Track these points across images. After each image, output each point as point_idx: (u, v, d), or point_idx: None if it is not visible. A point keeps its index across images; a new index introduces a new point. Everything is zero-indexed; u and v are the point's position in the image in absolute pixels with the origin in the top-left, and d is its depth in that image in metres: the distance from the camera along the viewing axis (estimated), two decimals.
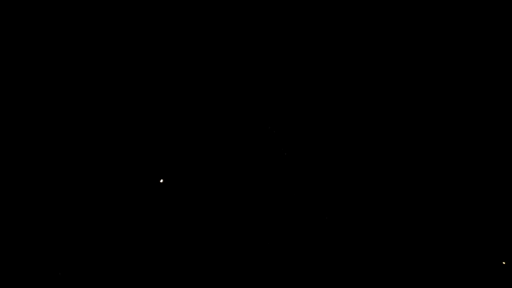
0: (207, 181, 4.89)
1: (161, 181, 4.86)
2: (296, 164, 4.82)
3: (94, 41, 4.67)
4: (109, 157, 4.71)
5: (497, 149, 4.52)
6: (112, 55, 4.71)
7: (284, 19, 4.75)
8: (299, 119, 4.77)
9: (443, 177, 4.60)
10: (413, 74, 4.71)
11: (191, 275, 4.28)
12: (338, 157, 4.79)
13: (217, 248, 4.53)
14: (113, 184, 4.67)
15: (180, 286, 4.24)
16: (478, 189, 4.51)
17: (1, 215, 4.31)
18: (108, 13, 4.59)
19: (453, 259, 4.32)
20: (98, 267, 4.25)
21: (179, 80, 4.86)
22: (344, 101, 4.83)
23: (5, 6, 4.38)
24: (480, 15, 4.45)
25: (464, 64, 4.59)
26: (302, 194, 4.80)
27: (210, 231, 4.65)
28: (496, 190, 4.47)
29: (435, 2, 4.51)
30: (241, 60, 4.87)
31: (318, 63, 4.83)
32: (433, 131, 4.66)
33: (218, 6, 4.71)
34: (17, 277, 4.09)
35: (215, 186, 4.89)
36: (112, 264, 4.27)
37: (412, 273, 4.27)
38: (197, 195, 4.83)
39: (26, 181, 4.46)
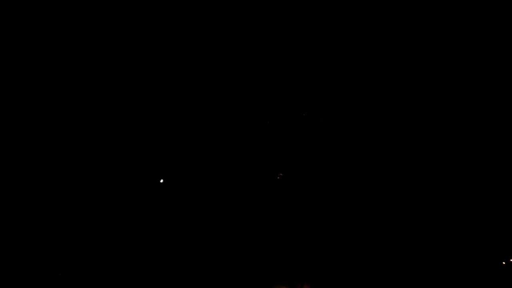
0: (206, 181, 4.89)
1: (161, 181, 4.86)
2: (295, 165, 4.81)
3: (94, 42, 4.67)
4: (110, 158, 4.71)
5: (497, 149, 4.52)
6: (112, 56, 4.71)
7: (284, 19, 4.75)
8: (299, 119, 4.76)
9: (443, 178, 4.60)
10: (413, 74, 4.71)
11: (191, 274, 4.28)
12: (338, 157, 4.79)
13: (216, 247, 4.53)
14: (113, 184, 4.67)
15: (180, 286, 4.24)
16: (478, 189, 4.51)
17: (1, 215, 4.31)
18: (108, 13, 4.59)
19: (453, 259, 4.32)
20: (98, 267, 4.25)
21: (179, 81, 4.86)
22: (343, 101, 4.83)
23: (5, 6, 4.38)
24: (480, 15, 4.46)
25: (464, 64, 4.59)
26: (301, 193, 4.80)
27: (209, 231, 4.66)
28: (496, 190, 4.47)
29: (435, 2, 4.52)
30: (241, 61, 4.87)
31: (318, 63, 4.82)
32: (433, 131, 4.66)
33: (218, 6, 4.71)
34: (17, 277, 4.10)
35: (214, 186, 4.89)
36: (112, 264, 4.27)
37: (412, 273, 4.27)
38: (197, 195, 4.83)
39: (27, 181, 4.46)
